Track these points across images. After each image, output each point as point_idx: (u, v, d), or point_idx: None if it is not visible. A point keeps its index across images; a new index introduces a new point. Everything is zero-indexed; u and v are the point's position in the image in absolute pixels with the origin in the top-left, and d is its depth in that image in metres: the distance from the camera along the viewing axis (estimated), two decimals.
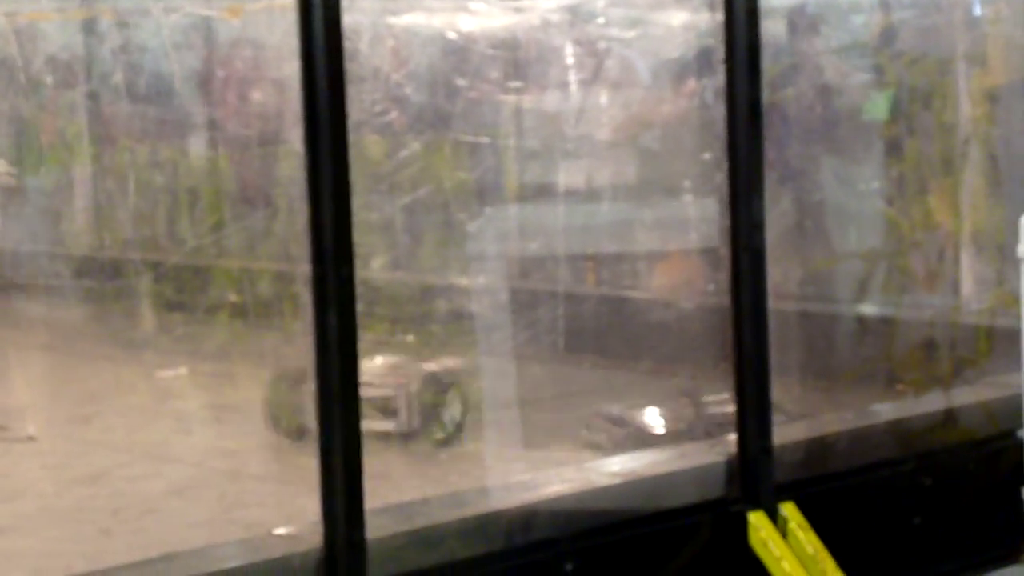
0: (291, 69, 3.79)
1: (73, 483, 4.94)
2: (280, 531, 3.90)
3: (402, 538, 3.94)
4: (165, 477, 5.01)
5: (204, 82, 6.04)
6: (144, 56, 6.10)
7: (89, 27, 6.62)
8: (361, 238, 3.86)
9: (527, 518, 4.16)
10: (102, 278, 6.02)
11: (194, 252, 5.95)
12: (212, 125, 6.05)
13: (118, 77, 6.14)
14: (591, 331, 5.94)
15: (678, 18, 5.57)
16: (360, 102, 4.85)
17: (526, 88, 5.57)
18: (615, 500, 4.33)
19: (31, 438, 5.25)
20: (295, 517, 3.92)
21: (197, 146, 6.13)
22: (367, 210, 5.08)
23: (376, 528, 3.82)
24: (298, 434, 5.14)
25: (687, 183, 5.41)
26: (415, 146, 5.39)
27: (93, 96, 6.31)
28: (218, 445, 5.29)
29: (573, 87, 5.64)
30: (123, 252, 6.07)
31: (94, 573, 3.75)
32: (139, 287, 5.83)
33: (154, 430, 5.40)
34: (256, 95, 5.62)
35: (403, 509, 4.13)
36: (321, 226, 3.78)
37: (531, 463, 4.84)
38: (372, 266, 5.32)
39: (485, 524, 4.10)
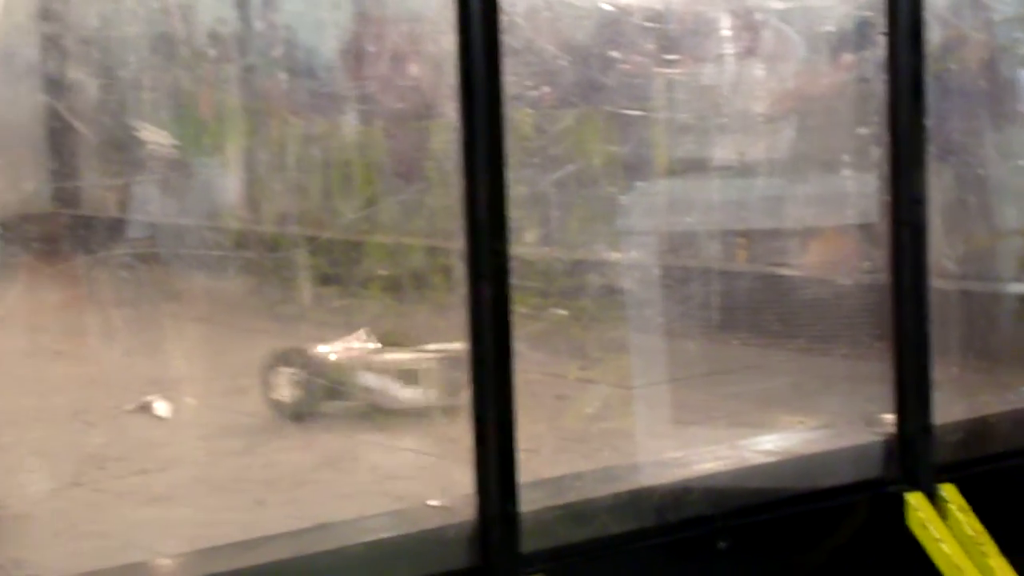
0: (447, 42, 3.78)
1: (228, 454, 5.00)
2: (433, 503, 3.91)
3: (554, 512, 3.93)
4: (318, 449, 5.05)
5: (360, 55, 6.07)
6: (301, 30, 6.15)
7: (248, 1, 6.68)
8: (513, 212, 3.85)
9: (680, 495, 4.13)
10: (259, 251, 6.09)
11: (349, 226, 6.00)
12: (367, 99, 6.09)
13: (275, 51, 6.20)
14: (743, 308, 5.88)
15: None
16: (515, 75, 4.84)
17: (680, 61, 5.52)
18: (770, 478, 4.28)
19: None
20: (447, 489, 3.93)
21: (352, 120, 6.17)
22: (519, 184, 5.07)
23: (529, 502, 3.82)
24: (295, 415, 5.25)
25: (844, 157, 5.33)
26: (567, 119, 5.37)
27: (250, 70, 6.38)
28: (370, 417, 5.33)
29: (728, 60, 5.58)
30: (279, 226, 6.13)
31: (251, 542, 3.79)
32: (294, 260, 5.89)
33: None
34: (412, 68, 5.64)
35: (555, 483, 4.12)
36: (476, 200, 3.77)
37: (682, 440, 4.80)
38: (524, 240, 5.31)
39: (637, 500, 4.08)
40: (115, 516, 4.44)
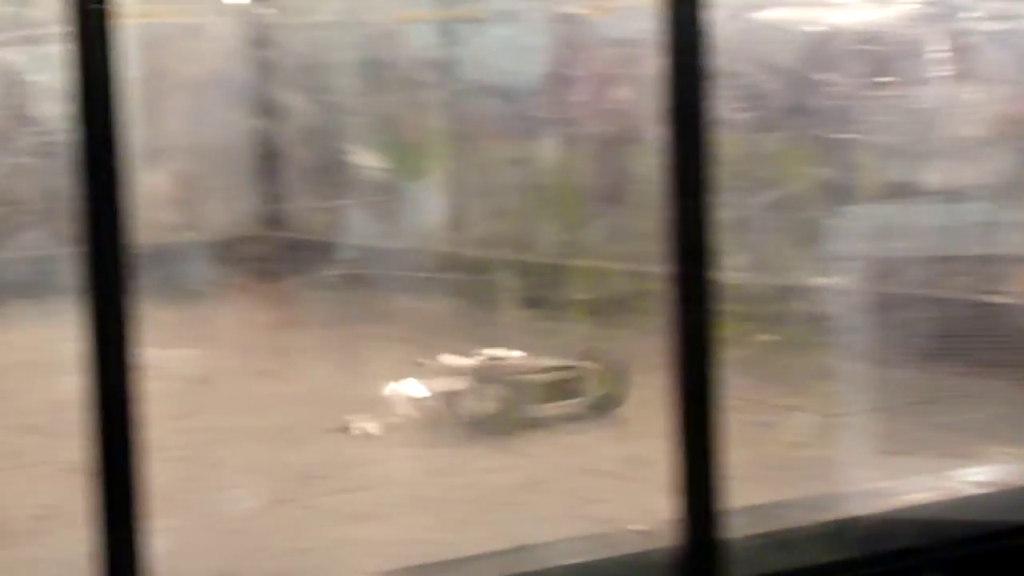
0: (653, 66, 3.76)
1: (431, 473, 5.04)
2: (635, 527, 3.88)
3: (759, 540, 3.87)
4: (520, 471, 5.06)
5: (565, 80, 6.09)
6: (508, 54, 6.18)
7: (454, 28, 6.74)
8: (718, 236, 3.81)
9: (887, 525, 4.04)
10: (462, 273, 6.13)
11: (552, 249, 6.01)
12: (572, 122, 6.10)
13: (481, 75, 6.24)
14: (953, 336, 5.74)
15: None
16: (721, 98, 4.81)
17: (890, 83, 5.43)
18: (980, 510, 4.16)
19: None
20: (646, 514, 3.90)
21: (556, 144, 6.19)
22: (724, 208, 5.02)
23: (732, 529, 3.76)
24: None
25: None
26: (773, 143, 5.32)
27: (456, 94, 6.44)
28: (569, 441, 5.33)
29: (940, 82, 5.47)
30: (482, 248, 6.17)
31: (452, 562, 3.81)
32: (497, 283, 5.92)
33: None
34: (618, 92, 5.64)
35: (759, 511, 4.06)
36: (681, 224, 3.74)
37: (889, 470, 4.71)
38: (729, 264, 5.26)
39: (844, 530, 4.00)
40: (317, 533, 4.49)
